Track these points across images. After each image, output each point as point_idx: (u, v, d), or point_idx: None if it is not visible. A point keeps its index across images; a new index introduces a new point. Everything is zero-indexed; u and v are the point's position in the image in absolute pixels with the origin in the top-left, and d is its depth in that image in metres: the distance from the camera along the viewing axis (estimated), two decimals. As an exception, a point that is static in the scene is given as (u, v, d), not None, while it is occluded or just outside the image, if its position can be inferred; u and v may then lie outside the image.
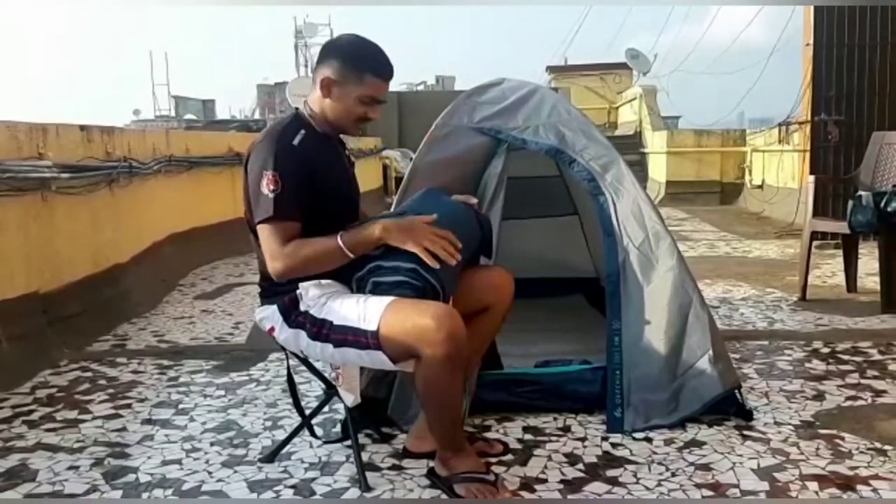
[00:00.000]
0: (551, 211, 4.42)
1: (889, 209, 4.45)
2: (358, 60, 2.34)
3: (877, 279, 4.78)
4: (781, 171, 10.14)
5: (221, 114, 25.68)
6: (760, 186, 11.29)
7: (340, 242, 2.22)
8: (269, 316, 2.35)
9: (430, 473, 2.37)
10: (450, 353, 2.10)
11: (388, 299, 2.19)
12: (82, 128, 4.53)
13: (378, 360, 2.21)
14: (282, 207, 2.21)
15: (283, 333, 2.33)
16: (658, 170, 13.98)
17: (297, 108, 2.45)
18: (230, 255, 7.06)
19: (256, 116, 23.53)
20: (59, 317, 3.96)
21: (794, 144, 9.33)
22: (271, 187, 2.20)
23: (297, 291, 2.29)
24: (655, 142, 14.54)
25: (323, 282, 2.29)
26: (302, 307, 2.29)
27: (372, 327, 2.17)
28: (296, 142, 2.29)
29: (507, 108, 3.07)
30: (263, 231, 2.25)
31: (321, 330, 2.25)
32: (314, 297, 2.28)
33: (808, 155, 7.67)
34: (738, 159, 12.59)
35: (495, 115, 3.05)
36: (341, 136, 2.53)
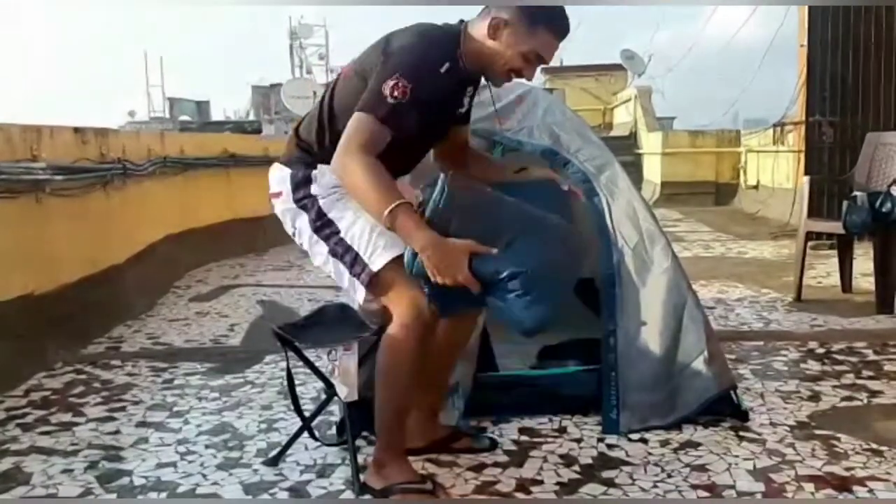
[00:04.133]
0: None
1: (884, 209, 4.46)
2: (535, 11, 2.18)
3: (871, 279, 4.79)
4: (776, 172, 10.16)
5: (216, 115, 25.64)
6: (755, 187, 11.32)
7: (387, 213, 2.03)
8: (281, 179, 2.27)
9: (365, 487, 2.28)
10: (410, 337, 2.12)
11: (398, 250, 2.14)
12: (76, 129, 4.52)
13: (354, 292, 2.21)
14: (394, 117, 2.08)
15: (286, 205, 2.26)
16: (653, 171, 14.00)
17: (462, 23, 2.24)
18: (225, 256, 7.05)
19: (251, 118, 23.46)
20: (53, 319, 3.94)
21: (789, 145, 9.35)
22: (395, 94, 2.07)
23: (313, 172, 2.21)
24: (651, 143, 14.55)
25: None
26: (313, 190, 2.21)
27: (375, 267, 2.15)
28: (443, 70, 2.14)
29: (502, 110, 3.06)
30: (360, 119, 2.10)
31: (323, 229, 2.21)
32: (327, 185, 2.20)
33: (803, 155, 7.68)
34: (734, 160, 12.62)
35: (489, 116, 3.05)
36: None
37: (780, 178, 9.99)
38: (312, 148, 2.26)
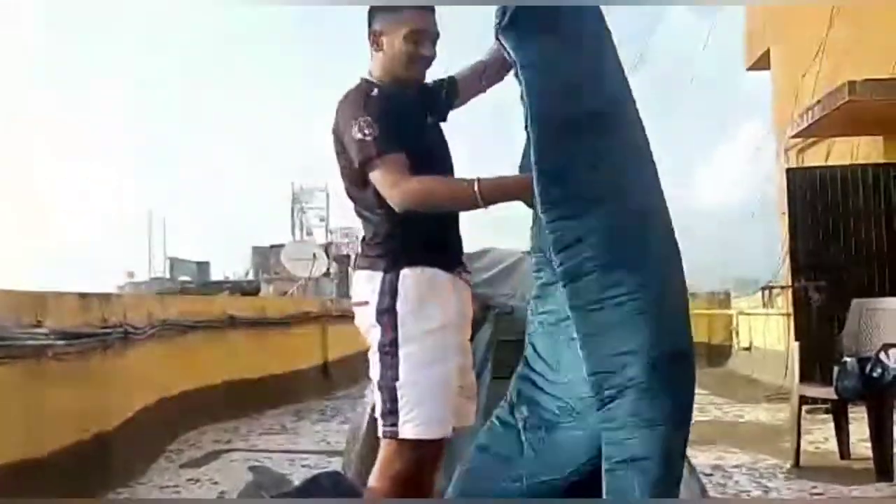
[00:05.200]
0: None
1: (875, 375, 4.48)
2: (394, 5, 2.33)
3: (869, 444, 4.75)
4: (768, 334, 10.24)
5: (216, 275, 25.99)
6: (748, 348, 11.36)
7: (474, 192, 2.14)
8: (371, 290, 2.25)
9: None
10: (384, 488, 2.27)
11: (431, 434, 2.22)
12: (81, 296, 4.64)
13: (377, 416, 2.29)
14: (383, 144, 2.18)
15: (368, 317, 2.25)
16: (647, 331, 14.04)
17: (361, 78, 2.39)
18: (219, 419, 6.97)
19: (250, 277, 23.81)
20: (41, 487, 3.88)
21: (778, 307, 9.47)
22: (365, 132, 2.18)
23: (401, 273, 2.21)
24: (643, 304, 14.69)
25: (427, 303, 2.23)
26: (398, 305, 2.21)
27: (401, 434, 2.22)
28: (373, 94, 2.28)
29: (496, 277, 3.20)
30: (374, 173, 2.20)
31: (387, 357, 2.22)
32: (413, 300, 2.22)
33: (792, 318, 7.77)
34: (726, 321, 12.73)
35: (483, 283, 3.17)
36: (428, 90, 2.45)
37: (771, 340, 10.05)
38: (378, 234, 2.29)
